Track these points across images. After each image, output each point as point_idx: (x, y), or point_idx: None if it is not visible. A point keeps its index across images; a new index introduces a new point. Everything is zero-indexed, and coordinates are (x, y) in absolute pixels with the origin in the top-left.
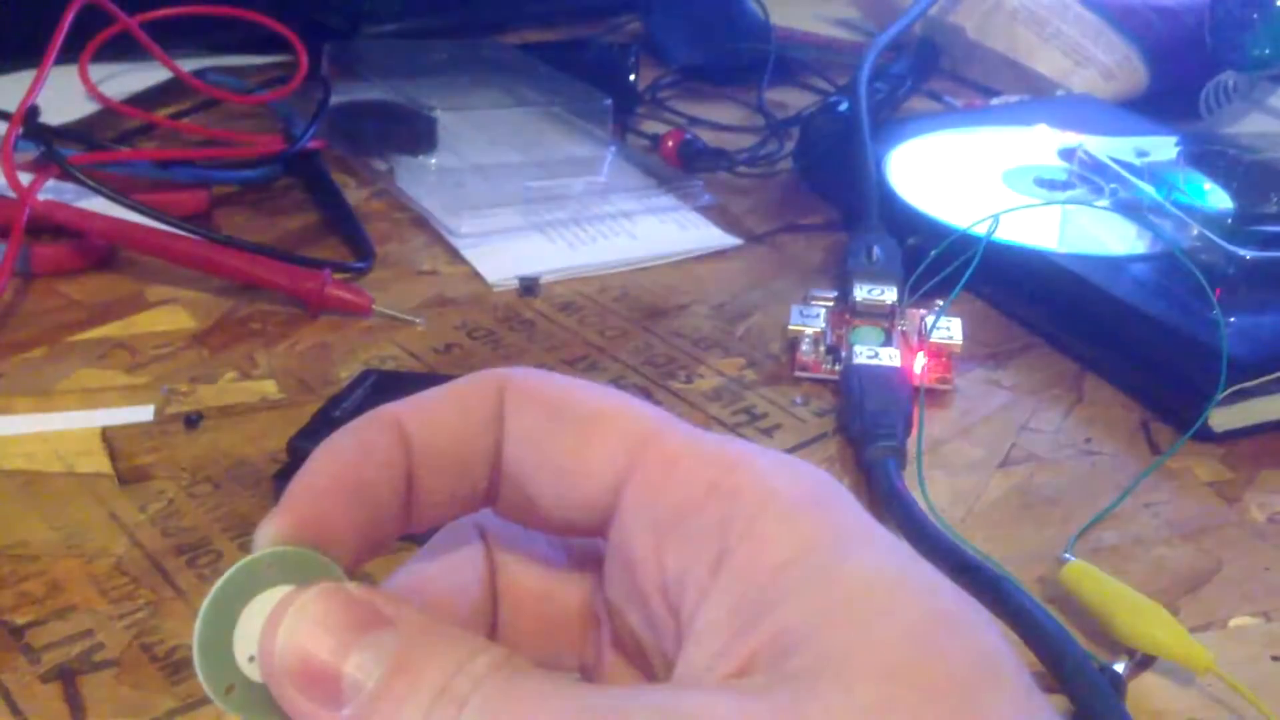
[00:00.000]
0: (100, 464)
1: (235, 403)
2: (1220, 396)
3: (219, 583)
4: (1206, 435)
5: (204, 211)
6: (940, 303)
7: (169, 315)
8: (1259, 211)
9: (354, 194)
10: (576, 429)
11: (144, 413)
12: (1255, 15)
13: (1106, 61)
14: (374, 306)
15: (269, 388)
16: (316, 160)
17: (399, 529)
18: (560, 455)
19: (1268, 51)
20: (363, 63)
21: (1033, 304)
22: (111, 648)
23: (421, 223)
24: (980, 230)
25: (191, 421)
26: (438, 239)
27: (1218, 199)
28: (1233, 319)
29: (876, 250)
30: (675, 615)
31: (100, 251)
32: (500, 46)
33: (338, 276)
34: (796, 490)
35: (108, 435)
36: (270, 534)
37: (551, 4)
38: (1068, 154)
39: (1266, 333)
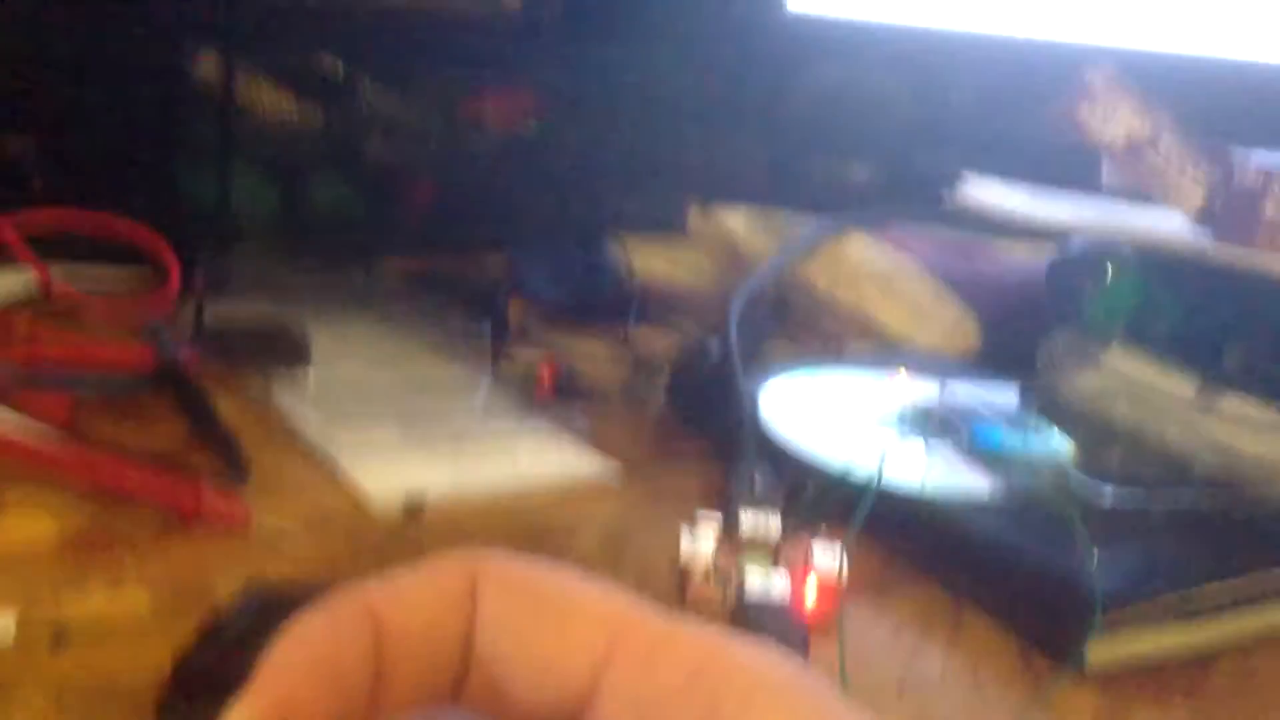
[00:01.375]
0: None
1: (104, 619)
2: (1092, 634)
3: None
4: (1082, 668)
5: (68, 419)
6: (825, 527)
7: (30, 523)
8: (1102, 458)
9: (228, 406)
10: (553, 615)
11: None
12: (1090, 281)
13: (946, 321)
14: (252, 520)
15: (141, 604)
16: (188, 372)
17: (367, 718)
18: (536, 642)
19: (1101, 314)
20: (239, 278)
21: (907, 540)
22: None
23: (298, 438)
24: (859, 468)
25: (56, 638)
26: (316, 455)
27: (1064, 446)
28: (1095, 557)
29: (758, 479)
30: None
31: None
32: (375, 271)
33: (213, 489)
34: (783, 673)
35: None
36: (244, 716)
37: (423, 236)
38: (926, 401)
39: (1126, 570)
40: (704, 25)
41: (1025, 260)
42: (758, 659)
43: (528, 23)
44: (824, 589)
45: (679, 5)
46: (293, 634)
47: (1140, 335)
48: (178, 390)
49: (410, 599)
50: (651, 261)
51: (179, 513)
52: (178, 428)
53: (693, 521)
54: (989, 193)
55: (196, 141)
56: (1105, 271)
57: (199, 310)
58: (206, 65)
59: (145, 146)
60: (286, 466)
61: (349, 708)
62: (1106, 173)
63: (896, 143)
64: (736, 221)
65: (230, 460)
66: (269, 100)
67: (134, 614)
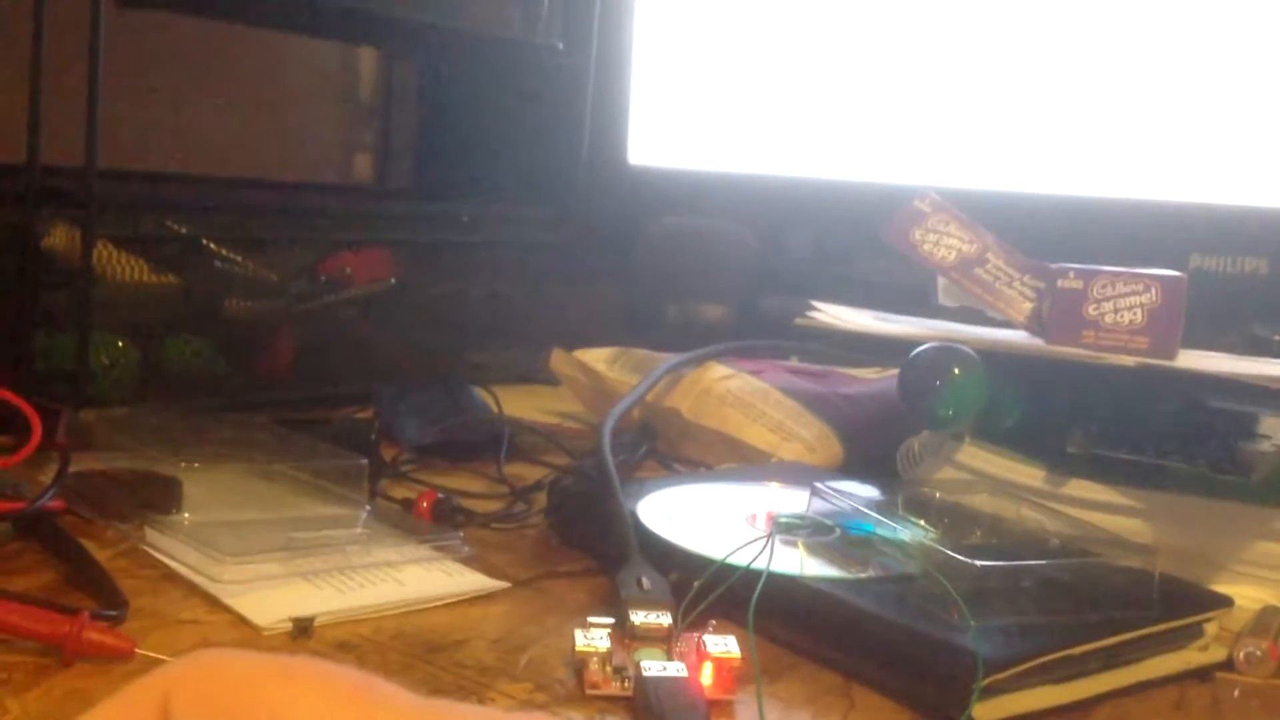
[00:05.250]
0: None
1: None
2: (977, 698)
3: None
4: None
5: None
6: (713, 624)
7: None
8: (966, 541)
9: (100, 552)
10: None
11: None
12: (938, 381)
13: (808, 437)
14: (137, 650)
15: None
16: (54, 522)
17: None
18: None
19: (951, 412)
20: (103, 434)
21: (795, 627)
22: None
23: (175, 577)
24: (738, 560)
25: None
26: (195, 590)
27: (930, 532)
28: (973, 623)
29: (645, 580)
30: None
31: None
32: (244, 420)
33: (92, 623)
34: None
35: None
36: None
37: (287, 389)
38: (798, 506)
39: (1002, 637)
40: (552, 182)
41: (874, 379)
42: None
43: (381, 187)
44: (721, 671)
45: (527, 163)
46: None
47: (989, 431)
48: (46, 538)
49: None
50: (517, 405)
51: (58, 647)
52: (49, 573)
53: (585, 626)
54: (837, 318)
55: (54, 309)
56: (951, 372)
57: (63, 462)
58: (59, 235)
59: (3, 316)
60: (166, 602)
61: None
62: (940, 295)
63: (743, 286)
64: (598, 358)
65: (106, 597)
66: (124, 267)
67: None
